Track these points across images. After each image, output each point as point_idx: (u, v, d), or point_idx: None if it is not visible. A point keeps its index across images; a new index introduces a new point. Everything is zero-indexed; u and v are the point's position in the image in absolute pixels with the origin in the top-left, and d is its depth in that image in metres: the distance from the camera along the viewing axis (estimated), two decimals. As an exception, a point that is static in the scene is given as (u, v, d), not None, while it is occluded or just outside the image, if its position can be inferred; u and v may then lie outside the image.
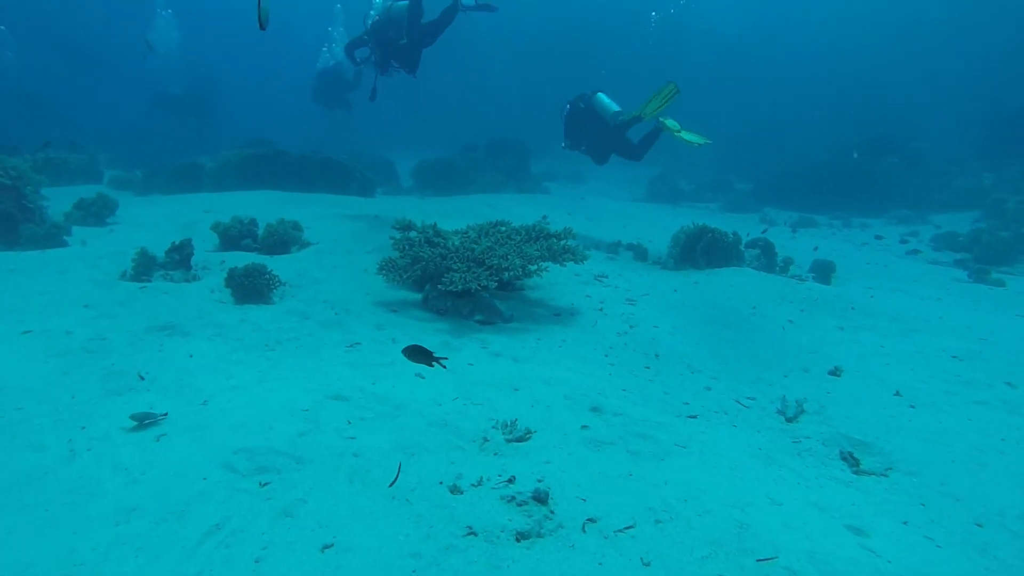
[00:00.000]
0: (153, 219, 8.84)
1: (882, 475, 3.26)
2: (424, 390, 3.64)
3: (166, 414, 3.09)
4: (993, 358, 4.95)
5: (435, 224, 5.99)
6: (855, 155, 16.21)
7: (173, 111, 20.37)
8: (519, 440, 3.13)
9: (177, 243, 5.97)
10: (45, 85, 21.84)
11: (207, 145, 19.29)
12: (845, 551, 2.36)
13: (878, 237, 12.91)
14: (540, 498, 2.59)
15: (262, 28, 5.13)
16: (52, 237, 6.69)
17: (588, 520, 2.50)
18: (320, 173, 13.26)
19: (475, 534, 2.34)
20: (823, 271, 8.16)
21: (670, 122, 8.89)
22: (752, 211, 16.47)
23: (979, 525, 2.71)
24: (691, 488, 2.82)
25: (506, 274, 5.01)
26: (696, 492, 2.78)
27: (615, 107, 9.12)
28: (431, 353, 3.12)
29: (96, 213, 8.38)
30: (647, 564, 2.26)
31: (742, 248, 8.39)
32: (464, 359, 4.19)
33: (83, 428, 2.84)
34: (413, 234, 5.92)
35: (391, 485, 2.61)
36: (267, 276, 5.34)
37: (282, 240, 7.01)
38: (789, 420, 3.99)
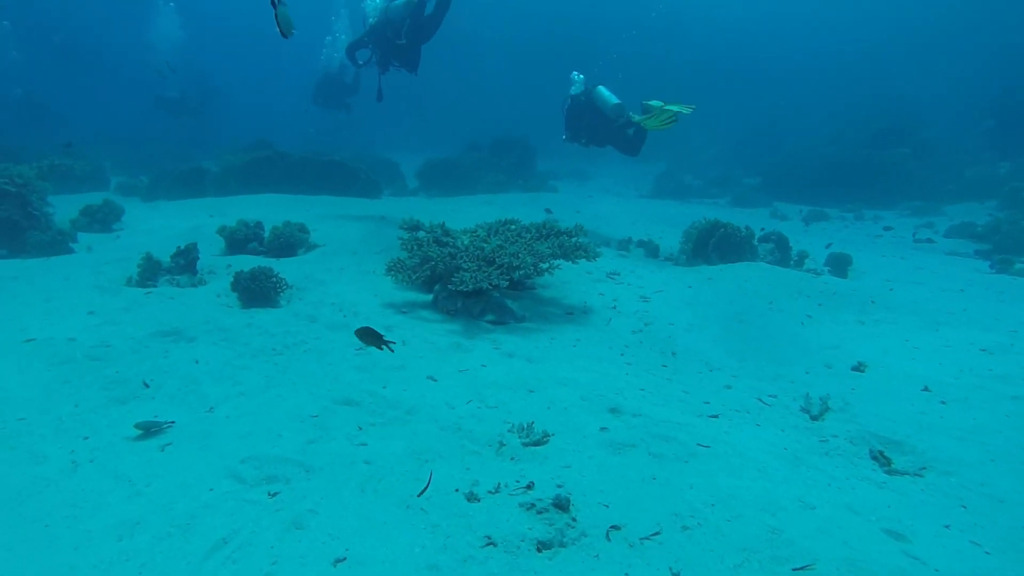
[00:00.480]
0: (159, 224, 8.79)
1: (916, 475, 3.11)
2: (436, 393, 3.53)
3: (172, 423, 2.99)
4: (1025, 351, 4.78)
5: (443, 223, 5.88)
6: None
7: (172, 113, 20.37)
8: (536, 444, 3.01)
9: (182, 247, 5.89)
10: (46, 88, 21.90)
11: (209, 148, 19.31)
12: (888, 559, 2.22)
13: (887, 228, 12.71)
14: (561, 505, 2.47)
15: (284, 37, 5.07)
16: (57, 244, 6.64)
17: (612, 527, 2.38)
18: (324, 175, 13.21)
19: (494, 544, 2.23)
20: (839, 264, 7.99)
21: (652, 122, 8.72)
22: (761, 206, 16.28)
23: (1026, 528, 2.56)
24: (718, 491, 2.69)
25: (517, 272, 4.89)
26: (724, 496, 2.65)
27: (615, 99, 9.08)
28: (381, 336, 3.10)
29: (102, 219, 8.34)
30: (677, 574, 2.14)
31: (755, 242, 8.23)
32: (476, 360, 4.08)
33: (86, 438, 2.75)
34: (421, 234, 5.81)
35: (420, 495, 2.51)
36: (274, 279, 5.25)
37: (288, 243, 6.92)
38: (814, 418, 3.85)
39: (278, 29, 4.93)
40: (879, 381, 4.36)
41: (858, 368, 4.59)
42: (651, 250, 8.71)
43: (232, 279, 5.23)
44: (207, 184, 13.37)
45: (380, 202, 12.34)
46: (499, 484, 2.61)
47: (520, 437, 3.06)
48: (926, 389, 4.15)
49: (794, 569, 2.17)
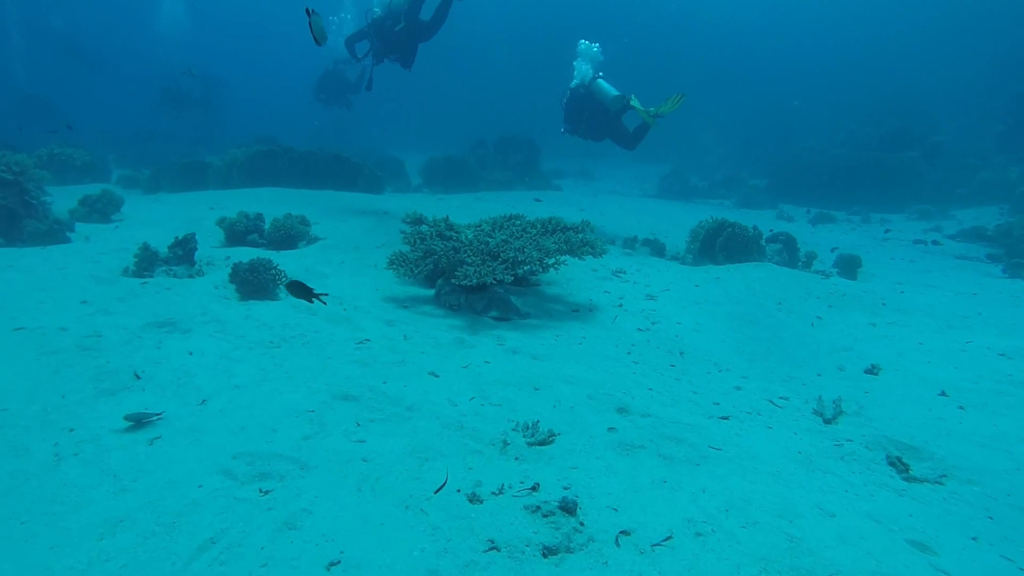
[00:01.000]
0: (159, 216, 8.68)
1: (937, 483, 2.98)
2: (438, 389, 3.41)
3: (161, 414, 2.88)
4: (1044, 356, 4.65)
5: (447, 217, 5.76)
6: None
7: (177, 107, 20.28)
8: (542, 443, 2.89)
9: (180, 238, 5.78)
10: (49, 85, 21.84)
11: (214, 143, 19.22)
12: (915, 572, 2.09)
13: (887, 231, 12.57)
14: (568, 508, 2.35)
15: (318, 45, 5.04)
16: (54, 233, 6.53)
17: (621, 532, 2.26)
18: (328, 170, 13.10)
19: (497, 549, 2.10)
20: (848, 266, 7.85)
21: (654, 109, 8.72)
22: (767, 207, 16.16)
23: (1058, 540, 2.43)
24: (732, 496, 2.57)
25: (523, 267, 4.77)
26: (738, 501, 2.53)
27: (614, 92, 9.06)
28: (311, 290, 3.04)
29: (101, 210, 8.23)
30: (691, 584, 2.01)
31: (763, 243, 8.10)
32: (480, 357, 3.95)
33: (71, 431, 2.63)
34: (424, 228, 5.69)
35: (437, 492, 2.39)
36: (273, 271, 5.14)
37: (289, 235, 6.81)
38: (827, 421, 3.72)
39: (312, 37, 4.92)
40: (894, 384, 4.23)
41: (871, 371, 4.47)
42: (657, 249, 8.59)
43: (230, 271, 5.11)
44: (209, 178, 13.27)
45: (383, 198, 12.22)
46: (503, 485, 2.49)
47: (525, 436, 2.94)
48: (943, 394, 4.02)
49: (815, 580, 2.04)
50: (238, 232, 6.86)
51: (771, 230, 8.62)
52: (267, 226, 7.00)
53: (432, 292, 5.30)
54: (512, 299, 5.03)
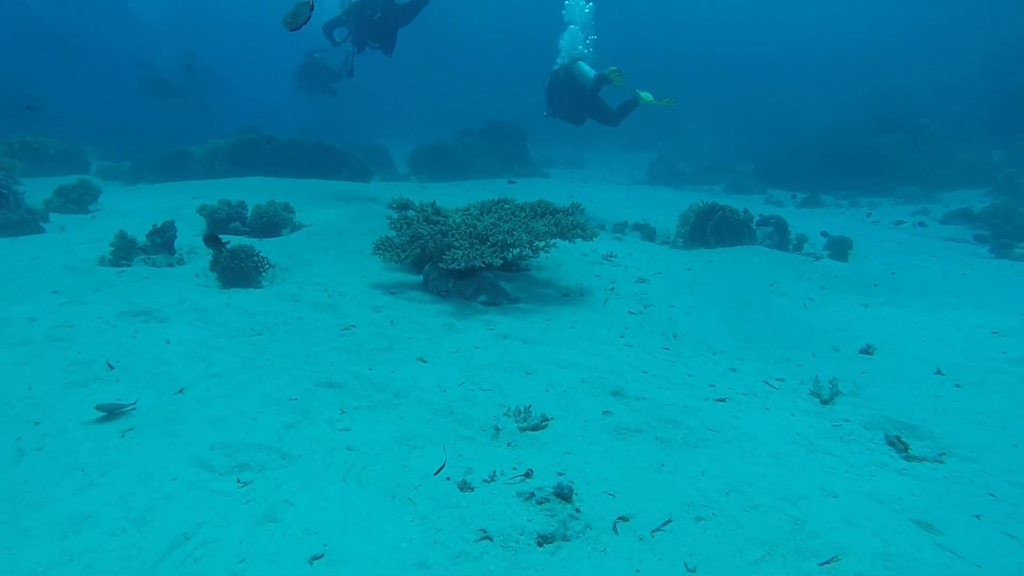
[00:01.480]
0: (138, 206, 8.44)
1: (936, 461, 2.92)
2: (426, 375, 3.30)
3: (135, 403, 2.74)
4: (1037, 333, 4.62)
5: (434, 202, 5.62)
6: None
7: (160, 95, 19.76)
8: (535, 428, 2.79)
9: (159, 226, 5.59)
10: (26, 77, 21.24)
11: (197, 133, 18.81)
12: (924, 553, 2.02)
13: (869, 215, 12.59)
14: (563, 494, 2.25)
15: (290, 30, 4.85)
16: (27, 223, 6.31)
17: (619, 519, 2.17)
18: (313, 159, 12.87)
19: (490, 538, 2.00)
20: (839, 248, 7.81)
21: (644, 95, 8.89)
22: (756, 192, 16.14)
23: (1062, 517, 2.38)
24: (732, 479, 2.48)
25: (513, 251, 4.66)
26: (738, 484, 2.45)
27: (593, 72, 9.23)
28: (219, 238, 3.05)
29: (77, 200, 7.98)
30: (692, 570, 1.93)
31: (753, 226, 8.04)
32: (469, 342, 3.84)
33: (37, 424, 2.49)
34: (411, 213, 5.55)
35: (436, 473, 2.29)
36: (255, 258, 4.98)
37: (272, 222, 6.63)
38: (824, 402, 3.66)
39: (288, 22, 4.74)
40: (889, 364, 4.17)
41: (867, 351, 4.41)
42: (647, 233, 8.51)
43: (211, 258, 4.95)
44: (192, 168, 12.99)
45: (370, 186, 12.01)
46: (495, 472, 2.39)
47: (517, 421, 2.83)
48: (939, 372, 3.97)
49: (821, 564, 1.97)
50: (219, 220, 6.68)
51: (760, 215, 8.56)
52: (249, 214, 6.82)
53: (420, 278, 5.17)
54: (502, 284, 4.92)
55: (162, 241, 5.55)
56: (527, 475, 2.41)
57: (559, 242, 5.27)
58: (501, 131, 17.67)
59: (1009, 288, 6.11)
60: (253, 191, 8.94)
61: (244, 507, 2.05)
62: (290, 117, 22.18)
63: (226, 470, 2.27)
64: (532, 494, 2.26)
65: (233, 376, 3.11)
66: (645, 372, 3.74)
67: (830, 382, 3.82)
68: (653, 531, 2.11)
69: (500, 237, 4.71)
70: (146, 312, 3.95)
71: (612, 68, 8.84)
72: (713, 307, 5.28)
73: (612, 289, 5.50)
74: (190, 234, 6.55)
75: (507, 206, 5.58)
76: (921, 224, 10.94)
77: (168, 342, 3.48)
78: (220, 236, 3.08)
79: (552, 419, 2.88)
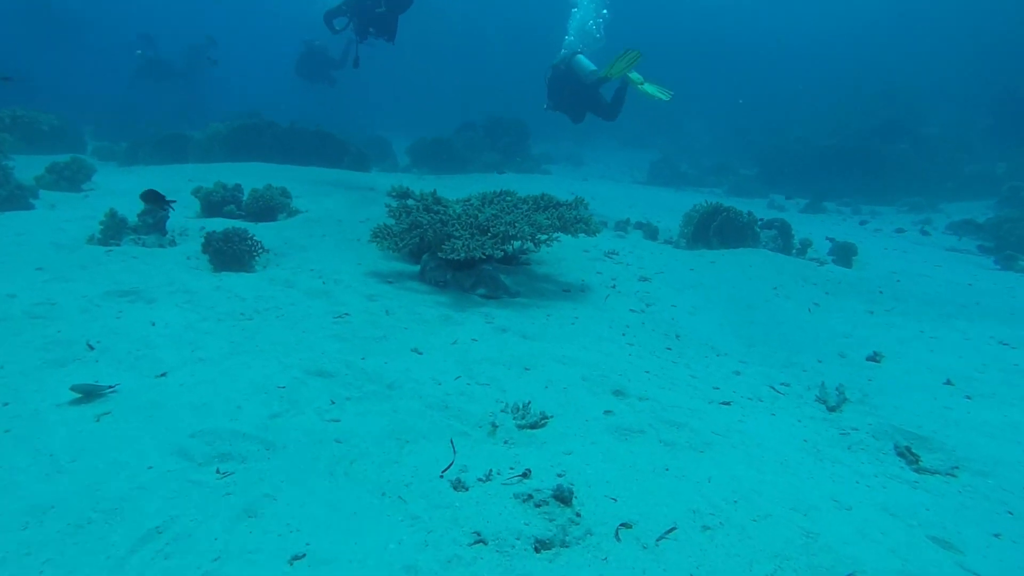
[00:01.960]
0: (132, 186, 8.23)
1: (949, 475, 2.81)
2: (422, 367, 3.17)
3: (115, 387, 2.60)
4: (1048, 346, 4.52)
5: (435, 191, 5.48)
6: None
7: (158, 77, 19.47)
8: (533, 426, 2.67)
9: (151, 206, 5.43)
10: (22, 52, 20.91)
11: (196, 117, 18.57)
12: (944, 572, 1.91)
13: (863, 223, 12.47)
14: (562, 497, 2.13)
15: None
16: (16, 199, 6.14)
17: (622, 525, 2.04)
18: (312, 146, 12.70)
19: (484, 542, 1.88)
20: (844, 254, 7.70)
21: (634, 75, 8.86)
22: (758, 196, 16.02)
23: (1084, 538, 2.27)
24: (739, 486, 2.37)
25: (514, 243, 4.53)
26: (747, 491, 2.33)
27: (592, 66, 9.26)
28: (163, 196, 2.93)
29: (70, 178, 7.81)
30: (699, 583, 1.81)
31: (757, 229, 7.93)
32: (467, 334, 3.71)
33: (5, 404, 2.35)
34: (411, 202, 5.41)
35: (443, 474, 2.17)
36: (249, 242, 4.84)
37: (268, 206, 6.48)
38: (831, 409, 3.55)
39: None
40: (897, 372, 4.06)
41: (874, 358, 4.30)
42: (650, 232, 8.39)
43: (203, 240, 4.81)
44: (190, 151, 12.80)
45: (369, 176, 11.86)
46: (491, 471, 2.27)
47: (515, 418, 2.71)
48: (949, 382, 3.86)
49: (836, 580, 1.85)
50: (214, 202, 6.53)
51: (761, 219, 8.44)
52: (246, 197, 6.67)
53: (417, 268, 5.03)
54: (502, 277, 4.79)
55: (154, 222, 5.39)
56: (525, 475, 2.29)
57: (561, 236, 5.15)
58: (503, 126, 17.50)
59: (1017, 300, 6.01)
60: (251, 176, 8.77)
61: (223, 500, 1.92)
62: (292, 105, 21.96)
63: (206, 460, 2.14)
64: (530, 496, 2.13)
65: (219, 361, 2.97)
66: (647, 372, 3.62)
67: (837, 389, 3.71)
68: (657, 539, 1.99)
69: (502, 229, 4.57)
70: (133, 292, 3.80)
71: (632, 50, 8.63)
72: (716, 308, 5.16)
73: (614, 287, 5.37)
74: (184, 216, 6.40)
75: (509, 198, 5.45)
76: (924, 232, 10.84)
77: (153, 324, 3.34)
78: (160, 194, 2.95)
79: (551, 417, 2.76)
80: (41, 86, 19.94)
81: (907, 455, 3.01)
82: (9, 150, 7.64)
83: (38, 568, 1.54)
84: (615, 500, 2.18)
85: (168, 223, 5.59)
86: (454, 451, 2.31)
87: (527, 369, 3.29)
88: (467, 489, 2.16)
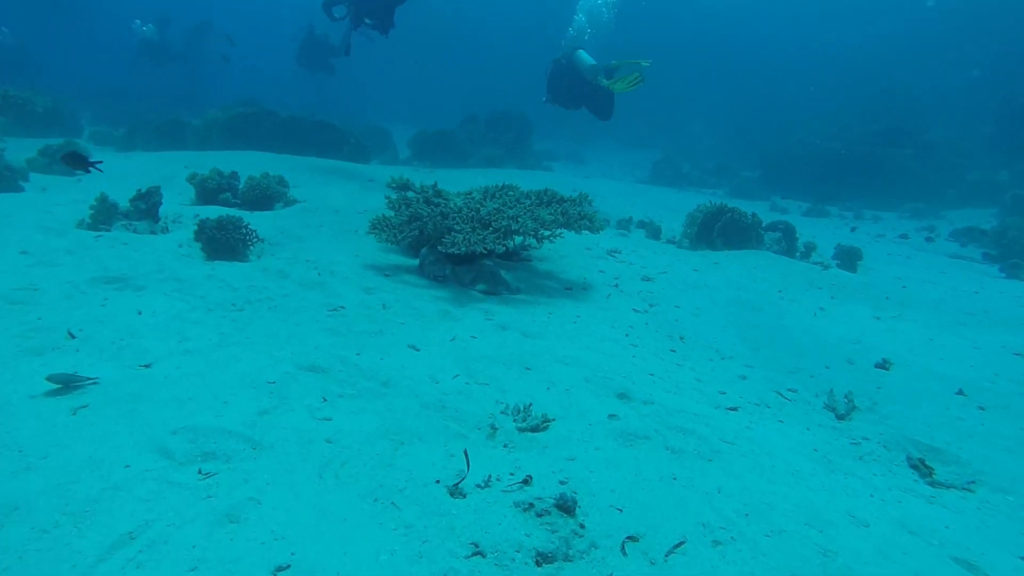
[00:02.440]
0: (127, 171, 8.11)
1: (965, 489, 2.70)
2: (418, 364, 3.04)
3: (96, 379, 2.47)
4: (1061, 357, 4.41)
5: (435, 183, 5.35)
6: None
7: (157, 61, 19.22)
8: (534, 430, 2.54)
9: (144, 191, 5.30)
10: (23, 36, 20.61)
11: (196, 103, 18.34)
12: (973, 596, 1.79)
13: (853, 229, 12.31)
14: (565, 506, 2.01)
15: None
16: (5, 180, 5.99)
17: (628, 538, 1.93)
18: (312, 136, 12.53)
19: (482, 554, 1.76)
20: (848, 258, 7.60)
21: (618, 86, 9.03)
22: (760, 198, 15.91)
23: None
24: (751, 498, 2.25)
25: (516, 238, 4.40)
26: (758, 504, 2.21)
27: (591, 61, 9.29)
28: (86, 158, 2.80)
29: (63, 161, 7.64)
30: (710, 603, 1.69)
31: (761, 231, 7.82)
32: (466, 331, 3.58)
33: (-25, 394, 2.22)
34: (411, 194, 5.28)
35: (457, 486, 2.04)
36: (243, 230, 4.70)
37: (265, 195, 6.34)
38: (840, 417, 3.44)
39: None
40: (907, 380, 3.95)
41: (882, 365, 4.19)
42: (652, 231, 8.27)
43: (196, 228, 4.67)
44: (187, 138, 12.64)
45: (369, 167, 11.72)
46: (490, 476, 2.14)
47: (516, 420, 2.59)
48: (960, 392, 3.75)
49: (856, 603, 1.73)
50: (210, 190, 6.38)
51: (764, 222, 8.34)
52: (242, 185, 6.52)
53: (416, 262, 4.90)
54: (502, 273, 4.66)
55: (146, 207, 5.25)
56: (526, 482, 2.17)
57: (564, 233, 5.02)
58: (506, 120, 17.33)
59: (1024, 309, 5.91)
60: (249, 164, 8.62)
61: (203, 503, 1.79)
62: (293, 93, 21.73)
63: (188, 459, 2.01)
64: (531, 504, 2.01)
65: (208, 353, 2.84)
66: (652, 375, 3.50)
67: (845, 396, 3.60)
68: (666, 554, 1.87)
69: (504, 223, 4.45)
70: (120, 279, 3.66)
71: (637, 62, 8.78)
72: (721, 310, 5.05)
73: (616, 286, 5.25)
74: (178, 203, 6.26)
75: (512, 192, 5.32)
76: (929, 239, 10.75)
77: (140, 312, 3.20)
78: (84, 155, 2.82)
79: (554, 420, 2.64)
80: (41, 68, 19.69)
81: (920, 467, 2.90)
82: (1, 132, 7.48)
83: (-5, 577, 1.42)
84: (620, 511, 2.06)
85: (161, 209, 5.44)
86: (468, 464, 2.15)
87: (528, 369, 3.16)
88: (464, 496, 2.04)
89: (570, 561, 1.79)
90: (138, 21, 18.57)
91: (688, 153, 22.11)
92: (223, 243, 4.58)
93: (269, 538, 1.69)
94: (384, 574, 1.63)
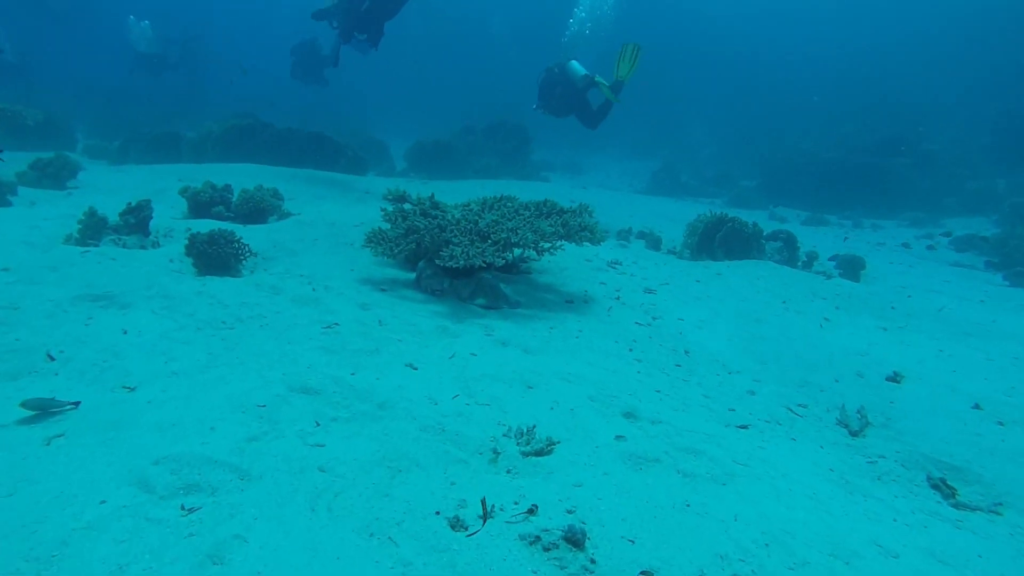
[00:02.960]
0: (120, 184, 8.01)
1: (993, 512, 2.58)
2: (416, 384, 2.91)
3: (77, 404, 2.34)
4: (1074, 368, 4.31)
5: (432, 195, 5.24)
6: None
7: (153, 71, 19.16)
8: (539, 453, 2.41)
9: (134, 204, 5.17)
10: (23, 49, 20.56)
11: (192, 115, 18.26)
12: (1017, 636, 1.66)
13: (846, 239, 12.23)
14: (574, 539, 1.88)
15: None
16: (-7, 195, 5.87)
17: (643, 573, 1.80)
18: (308, 148, 12.44)
19: (487, 595, 1.62)
20: (851, 268, 7.51)
21: (623, 70, 9.28)
22: (759, 208, 15.87)
23: None
24: (770, 526, 2.12)
25: (516, 250, 4.28)
26: (778, 532, 2.08)
27: (583, 71, 9.64)
28: None
29: (54, 175, 7.53)
30: (734, 647, 1.56)
31: (762, 240, 7.73)
32: (465, 348, 3.46)
33: (-58, 423, 2.08)
34: (408, 206, 5.16)
35: (474, 532, 1.87)
36: (235, 244, 4.58)
37: (259, 208, 6.22)
38: (854, 434, 3.32)
39: None
40: (920, 394, 3.83)
41: (894, 378, 4.07)
42: (653, 242, 8.18)
43: (187, 242, 4.54)
44: (183, 151, 12.54)
45: (366, 179, 11.62)
46: (493, 506, 2.01)
47: (519, 444, 2.46)
48: (977, 407, 3.64)
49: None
50: (202, 203, 6.26)
51: (765, 232, 8.25)
52: (235, 198, 6.41)
53: (413, 275, 4.78)
54: (501, 286, 4.55)
55: (136, 221, 5.13)
56: (531, 511, 2.03)
57: (564, 245, 4.92)
58: (504, 131, 17.30)
59: (1033, 318, 5.81)
60: (243, 177, 8.51)
61: (185, 543, 1.66)
62: (289, 105, 21.67)
63: (169, 492, 1.87)
64: (538, 537, 1.88)
65: (194, 375, 2.71)
66: (658, 391, 3.38)
67: (858, 412, 3.48)
68: (683, 592, 1.74)
69: (503, 235, 4.33)
70: (106, 297, 3.53)
71: (628, 44, 9.05)
72: (725, 322, 4.93)
73: (618, 298, 5.14)
74: (170, 216, 6.14)
75: (510, 204, 5.21)
76: (930, 248, 10.69)
77: (125, 332, 3.07)
78: None
79: (559, 442, 2.51)
80: (36, 81, 19.62)
81: (942, 487, 2.77)
82: (-9, 145, 7.36)
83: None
84: (632, 542, 1.93)
85: (152, 223, 5.32)
86: (485, 516, 1.97)
87: (530, 387, 3.04)
88: (466, 528, 1.91)
89: (581, 602, 1.66)
90: (132, 17, 18.51)
91: (687, 162, 22.11)
92: (215, 258, 4.46)
93: (255, 581, 1.56)
94: (380, 621, 1.49)
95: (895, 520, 2.36)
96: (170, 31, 19.99)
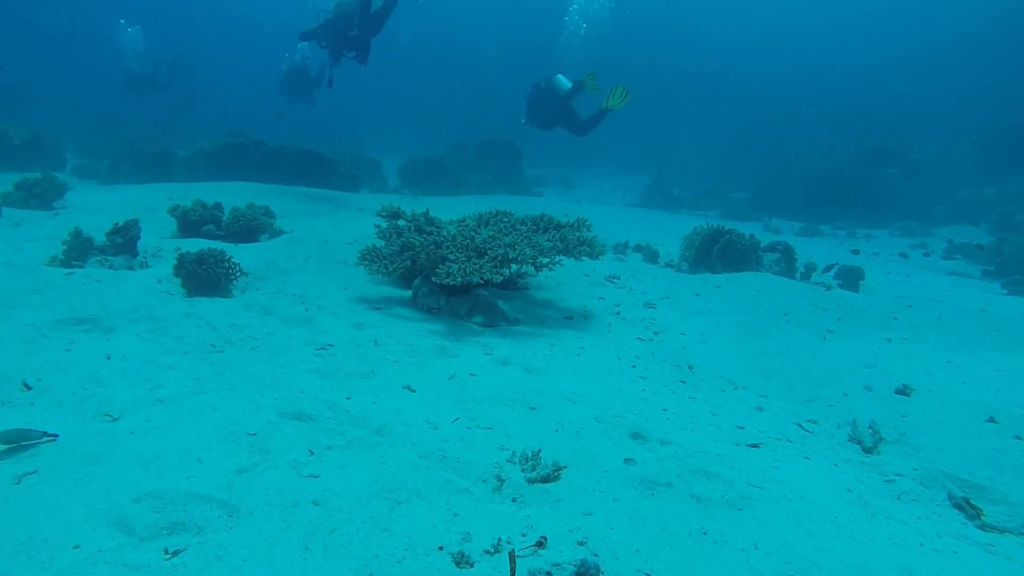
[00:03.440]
0: (108, 204, 7.87)
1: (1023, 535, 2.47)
2: (415, 408, 2.78)
3: (55, 436, 2.20)
4: (1090, 379, 4.22)
5: (427, 211, 5.14)
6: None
7: (142, 91, 19.12)
8: (545, 480, 2.29)
9: (121, 224, 5.05)
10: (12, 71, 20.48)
11: (183, 134, 18.17)
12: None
13: (855, 252, 12.26)
14: (587, 574, 1.75)
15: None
16: (-25, 216, 5.72)
17: (662, 613, 1.67)
18: (300, 166, 12.36)
19: (497, 642, 1.49)
20: (851, 278, 7.45)
21: (613, 102, 9.55)
22: (751, 219, 15.89)
23: None
24: (792, 555, 2.00)
25: (513, 266, 4.18)
26: (802, 563, 1.96)
27: (569, 84, 9.80)
28: None
29: (40, 195, 7.39)
30: None
31: (760, 252, 7.67)
32: (464, 368, 3.33)
33: (-96, 461, 1.94)
34: (402, 222, 5.07)
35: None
36: (226, 264, 4.46)
37: (249, 226, 6.11)
38: (868, 451, 3.21)
39: None
40: (932, 408, 3.74)
41: (903, 391, 3.98)
42: (650, 255, 8.11)
43: (175, 262, 4.41)
44: (173, 170, 12.43)
45: (358, 196, 11.53)
46: (499, 539, 1.88)
47: (524, 470, 2.33)
48: (992, 420, 3.54)
49: None
50: (192, 222, 6.14)
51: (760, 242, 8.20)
52: (226, 216, 6.29)
53: (409, 293, 4.67)
54: (499, 303, 4.44)
55: (123, 241, 5.00)
56: (540, 544, 1.91)
57: (563, 258, 4.82)
58: (495, 147, 17.31)
59: (1037, 327, 5.75)
60: (235, 195, 8.40)
61: (166, 590, 1.52)
62: (280, 123, 21.64)
63: (151, 533, 1.73)
64: (548, 574, 1.75)
65: (181, 402, 2.57)
66: (665, 410, 3.26)
67: (870, 427, 3.37)
68: (708, 632, 1.61)
69: (501, 251, 4.23)
70: (90, 320, 3.39)
71: (588, 72, 9.37)
72: (727, 336, 4.84)
73: (618, 313, 5.04)
74: (158, 236, 6.01)
75: (507, 219, 5.12)
76: (926, 255, 10.69)
77: (109, 357, 2.93)
78: None
79: (565, 467, 2.38)
80: (24, 101, 19.51)
81: (966, 508, 2.66)
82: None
83: None
84: (650, 577, 1.80)
85: (140, 243, 5.20)
86: (499, 538, 1.85)
87: (533, 409, 2.91)
88: (472, 565, 1.77)
89: (599, 647, 1.53)
90: (123, 21, 18.49)
91: (678, 177, 22.22)
92: (204, 278, 4.33)
93: (242, 634, 1.42)
94: (381, 676, 1.36)
95: (922, 545, 2.24)
96: (160, 52, 19.99)
